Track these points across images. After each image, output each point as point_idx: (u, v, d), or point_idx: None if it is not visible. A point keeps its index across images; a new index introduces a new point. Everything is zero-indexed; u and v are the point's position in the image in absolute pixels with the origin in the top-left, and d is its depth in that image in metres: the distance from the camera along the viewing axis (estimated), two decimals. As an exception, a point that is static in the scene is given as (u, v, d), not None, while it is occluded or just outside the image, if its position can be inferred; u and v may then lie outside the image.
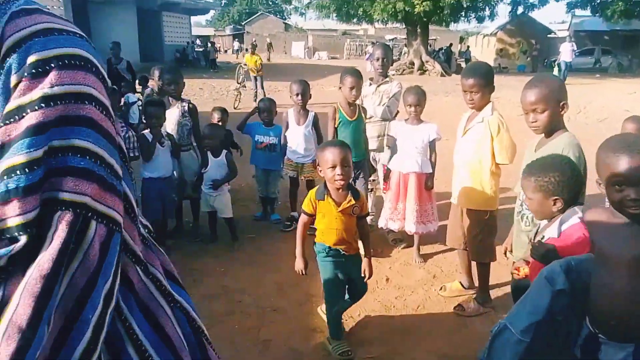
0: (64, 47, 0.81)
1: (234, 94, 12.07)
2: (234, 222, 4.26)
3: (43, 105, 0.76)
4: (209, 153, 4.08)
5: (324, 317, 2.91)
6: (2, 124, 0.76)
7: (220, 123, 4.54)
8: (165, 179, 3.93)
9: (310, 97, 4.47)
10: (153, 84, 6.39)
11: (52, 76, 0.78)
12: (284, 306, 3.22)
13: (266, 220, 4.73)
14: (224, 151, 4.15)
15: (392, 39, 37.32)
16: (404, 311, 3.16)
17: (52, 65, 0.78)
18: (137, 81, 8.73)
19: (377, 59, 4.24)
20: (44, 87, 0.77)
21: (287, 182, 4.62)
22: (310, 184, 4.50)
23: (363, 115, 3.96)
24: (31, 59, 0.78)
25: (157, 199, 3.88)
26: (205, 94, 14.60)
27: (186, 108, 4.15)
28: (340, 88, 3.86)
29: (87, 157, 0.79)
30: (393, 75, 18.97)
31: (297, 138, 4.40)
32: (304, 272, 2.70)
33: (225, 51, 42.75)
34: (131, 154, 3.75)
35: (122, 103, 7.85)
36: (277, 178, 4.67)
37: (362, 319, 3.07)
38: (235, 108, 10.92)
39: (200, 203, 4.22)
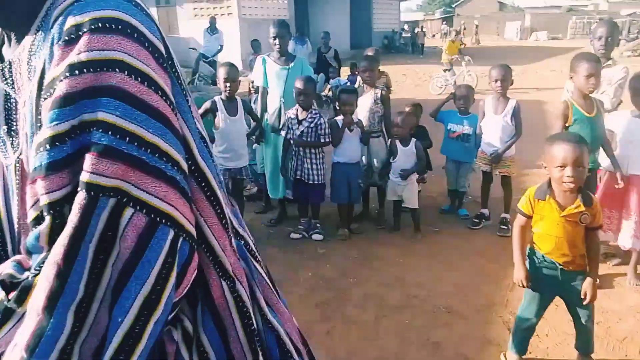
0: (102, 9, 0.71)
1: (444, 81, 11.63)
2: (419, 213, 4.14)
3: (68, 74, 0.68)
4: (397, 142, 4.02)
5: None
6: (42, 99, 0.71)
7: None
8: (352, 164, 4.01)
9: (511, 84, 4.03)
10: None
11: (82, 42, 0.69)
12: (460, 309, 3.01)
13: (453, 214, 4.49)
14: (413, 140, 4.04)
15: (630, 14, 31.69)
16: (606, 340, 2.65)
17: (85, 29, 0.69)
18: (344, 68, 9.14)
19: (599, 38, 3.59)
20: (72, 55, 0.69)
21: (480, 176, 4.29)
22: (505, 180, 4.12)
23: (601, 110, 3.25)
24: (67, 25, 0.71)
25: (344, 183, 4.00)
26: (407, 80, 14.54)
27: (379, 95, 4.16)
28: (571, 77, 3.21)
29: (110, 133, 0.68)
30: (629, 56, 16.18)
31: (493, 128, 4.03)
32: (524, 284, 2.33)
33: (433, 35, 41.89)
34: (322, 140, 3.90)
35: (328, 89, 8.37)
36: (469, 171, 4.37)
37: (551, 340, 2.68)
38: (439, 95, 10.64)
39: (386, 191, 4.21)
